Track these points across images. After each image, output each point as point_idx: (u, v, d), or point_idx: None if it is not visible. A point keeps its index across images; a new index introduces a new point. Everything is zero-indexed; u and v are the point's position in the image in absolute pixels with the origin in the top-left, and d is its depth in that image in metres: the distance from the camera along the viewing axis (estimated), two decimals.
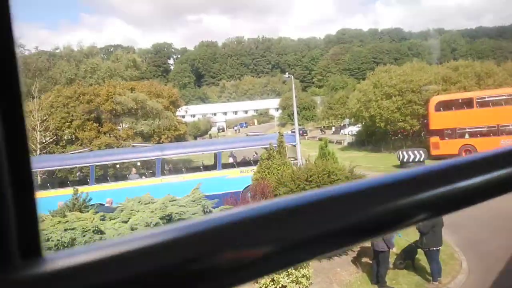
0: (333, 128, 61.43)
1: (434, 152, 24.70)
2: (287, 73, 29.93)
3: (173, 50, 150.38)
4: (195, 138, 57.03)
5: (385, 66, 36.40)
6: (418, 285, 7.62)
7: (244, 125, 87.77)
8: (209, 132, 57.99)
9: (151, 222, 8.59)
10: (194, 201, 10.03)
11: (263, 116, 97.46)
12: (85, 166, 14.55)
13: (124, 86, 28.94)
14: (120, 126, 27.70)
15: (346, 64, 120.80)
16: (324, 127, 66.83)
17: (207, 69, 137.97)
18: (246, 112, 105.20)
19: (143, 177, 14.87)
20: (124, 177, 15.25)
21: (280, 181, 10.11)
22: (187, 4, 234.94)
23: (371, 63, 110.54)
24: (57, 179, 16.47)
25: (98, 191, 12.65)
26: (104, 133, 25.65)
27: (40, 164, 13.99)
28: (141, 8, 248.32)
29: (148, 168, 16.21)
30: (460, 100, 25.13)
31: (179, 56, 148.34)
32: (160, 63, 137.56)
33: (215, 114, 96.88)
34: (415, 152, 21.70)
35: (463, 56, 67.09)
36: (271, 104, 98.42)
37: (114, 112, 26.25)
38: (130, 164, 16.05)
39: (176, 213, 8.95)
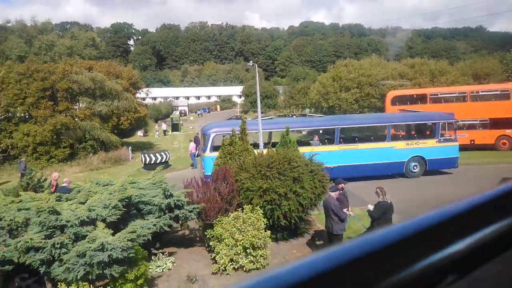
0: (294, 117, 62.53)
1: None
2: (250, 61, 30.10)
3: (133, 31, 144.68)
4: (156, 121, 55.68)
5: (345, 60, 37.44)
6: None
7: (207, 111, 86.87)
8: (170, 116, 56.76)
9: (109, 204, 8.46)
10: (154, 184, 9.97)
11: (226, 102, 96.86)
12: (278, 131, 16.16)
13: (81, 65, 27.69)
14: (76, 105, 26.57)
15: (308, 56, 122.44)
16: (285, 115, 67.70)
17: (169, 52, 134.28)
18: (208, 97, 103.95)
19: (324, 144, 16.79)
20: (307, 144, 16.84)
21: (242, 166, 10.25)
22: None
23: (332, 56, 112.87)
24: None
25: None
26: (60, 112, 24.51)
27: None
28: None
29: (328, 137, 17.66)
30: (414, 96, 26.50)
31: (139, 37, 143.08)
32: (120, 44, 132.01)
33: (177, 98, 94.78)
34: None
35: (418, 54, 70.10)
36: (234, 91, 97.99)
37: (70, 91, 25.11)
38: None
39: (135, 195, 8.86)
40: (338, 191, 8.60)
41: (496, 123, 22.84)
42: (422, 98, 25.69)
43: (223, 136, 14.09)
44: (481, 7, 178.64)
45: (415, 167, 16.74)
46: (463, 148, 22.52)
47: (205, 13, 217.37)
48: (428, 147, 16.64)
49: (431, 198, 12.97)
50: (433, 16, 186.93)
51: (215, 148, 14.73)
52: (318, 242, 9.54)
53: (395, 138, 17.13)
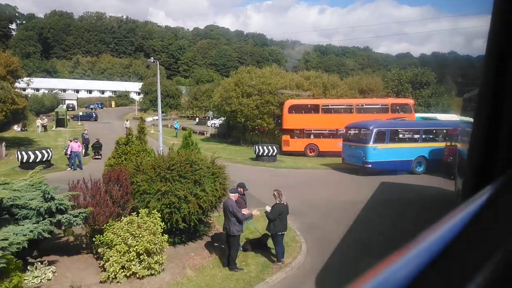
0: (197, 119, 61.99)
1: (284, 148, 27.39)
2: (152, 57, 28.58)
3: (17, 14, 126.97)
4: (38, 114, 49.57)
5: (248, 67, 38.39)
6: (264, 266, 8.30)
7: (100, 106, 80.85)
8: (55, 110, 51.06)
9: None
10: (32, 185, 8.71)
11: (122, 98, 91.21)
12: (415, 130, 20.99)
13: None
14: None
15: (213, 59, 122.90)
16: (188, 117, 66.79)
17: (59, 41, 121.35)
18: (102, 92, 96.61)
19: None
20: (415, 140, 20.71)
21: (139, 168, 9.60)
22: None
23: (236, 62, 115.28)
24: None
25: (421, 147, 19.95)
26: None
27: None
28: None
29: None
30: (309, 106, 28.47)
31: (24, 22, 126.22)
32: None
33: (64, 91, 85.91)
34: (269, 147, 23.57)
35: (314, 67, 75.87)
36: (132, 87, 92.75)
37: None
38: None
39: (8, 198, 7.62)
40: (237, 193, 8.65)
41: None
42: (315, 108, 27.73)
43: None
44: (369, 29, 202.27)
45: None
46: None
47: (105, 4, 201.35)
48: None
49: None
50: (328, 33, 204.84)
51: (375, 141, 19.04)
52: (216, 244, 9.44)
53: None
